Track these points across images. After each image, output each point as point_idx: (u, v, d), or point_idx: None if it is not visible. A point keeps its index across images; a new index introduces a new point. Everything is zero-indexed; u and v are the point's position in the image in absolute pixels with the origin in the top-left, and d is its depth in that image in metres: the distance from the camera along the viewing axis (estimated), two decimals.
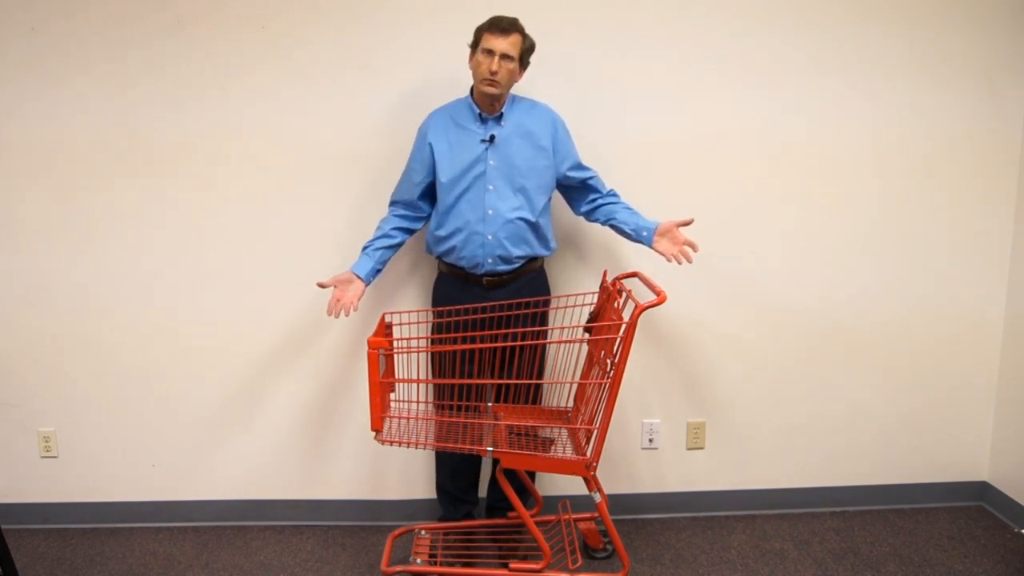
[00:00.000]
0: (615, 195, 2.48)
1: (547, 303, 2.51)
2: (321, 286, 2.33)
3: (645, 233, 2.38)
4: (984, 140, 2.70)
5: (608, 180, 2.52)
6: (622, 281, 2.37)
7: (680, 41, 2.58)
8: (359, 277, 2.35)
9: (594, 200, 2.47)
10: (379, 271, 2.42)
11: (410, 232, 2.46)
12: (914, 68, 2.64)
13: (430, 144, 2.35)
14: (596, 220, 2.48)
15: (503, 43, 2.22)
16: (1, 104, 2.55)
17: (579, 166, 2.43)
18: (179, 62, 2.53)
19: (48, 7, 2.49)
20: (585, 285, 2.71)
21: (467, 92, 2.41)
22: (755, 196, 2.69)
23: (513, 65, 2.26)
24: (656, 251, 2.36)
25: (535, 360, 2.48)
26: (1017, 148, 2.72)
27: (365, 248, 2.40)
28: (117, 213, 2.62)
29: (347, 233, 2.63)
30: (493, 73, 2.23)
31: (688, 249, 2.33)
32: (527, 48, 2.30)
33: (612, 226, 2.45)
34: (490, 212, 2.33)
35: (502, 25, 2.23)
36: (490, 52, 2.23)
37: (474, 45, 2.29)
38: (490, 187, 2.33)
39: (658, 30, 2.57)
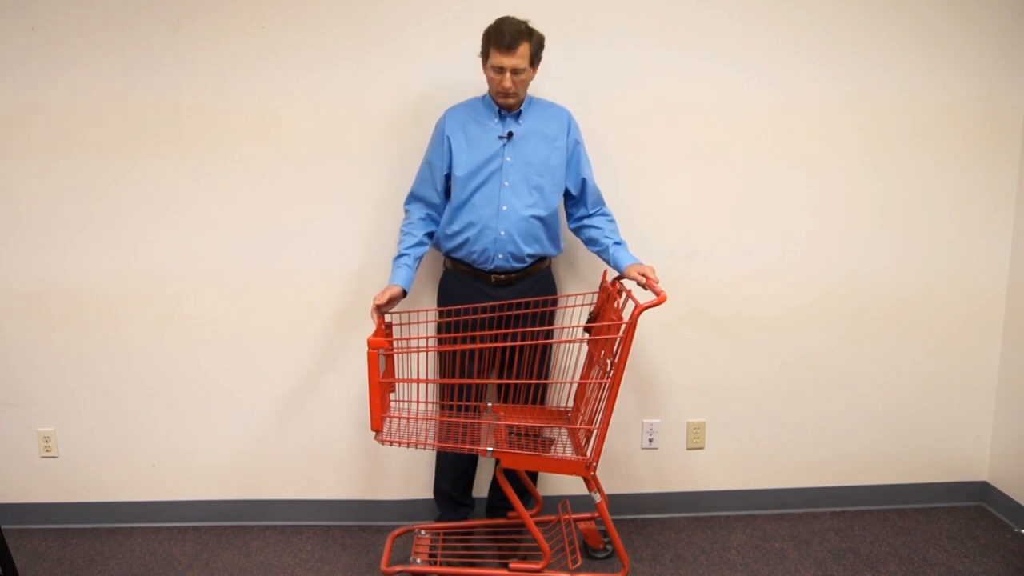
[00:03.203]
0: (609, 220, 2.47)
1: (551, 303, 2.51)
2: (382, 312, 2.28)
3: (617, 262, 2.37)
4: (984, 135, 2.70)
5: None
6: (622, 281, 2.37)
7: (682, 37, 2.59)
8: (404, 290, 2.33)
9: (589, 219, 2.46)
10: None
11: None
12: (910, 46, 2.64)
13: (448, 138, 2.35)
14: (580, 237, 2.50)
15: (511, 59, 2.21)
16: None
17: (587, 182, 2.43)
18: (178, 61, 2.53)
19: (48, 6, 2.49)
20: (591, 285, 2.71)
21: (469, 88, 2.42)
22: (754, 198, 2.68)
23: (526, 74, 2.26)
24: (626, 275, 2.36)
25: (539, 360, 2.48)
26: (1018, 146, 2.72)
27: (402, 256, 2.36)
28: (116, 212, 2.62)
29: (347, 232, 2.64)
30: (507, 89, 2.25)
31: (650, 276, 2.28)
32: (536, 50, 2.28)
33: (589, 238, 2.46)
34: (504, 208, 2.33)
35: (505, 42, 2.20)
36: (500, 69, 2.23)
37: (484, 55, 2.28)
38: (506, 183, 2.33)
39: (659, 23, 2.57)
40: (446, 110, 2.42)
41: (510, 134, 2.34)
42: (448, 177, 2.39)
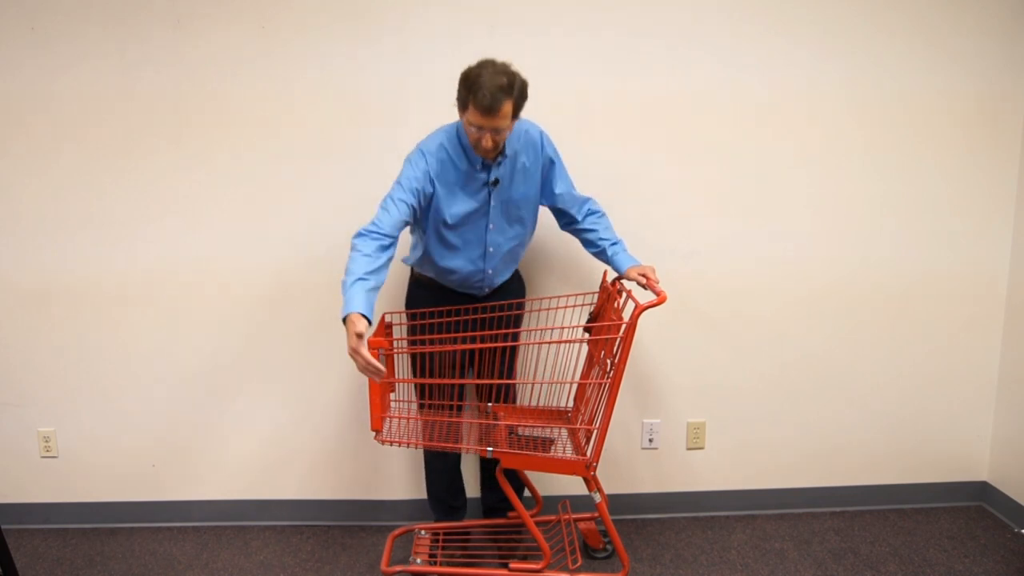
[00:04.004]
0: (599, 217, 2.43)
1: (521, 306, 2.51)
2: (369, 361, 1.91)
3: (617, 264, 2.35)
4: (984, 133, 2.70)
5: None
6: (622, 281, 2.37)
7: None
8: (368, 320, 1.94)
9: (580, 224, 2.43)
10: None
11: None
12: (911, 43, 2.64)
13: (434, 184, 2.18)
14: (576, 236, 2.48)
15: (492, 121, 2.04)
16: None
17: (561, 197, 2.36)
18: (178, 60, 2.53)
19: (48, 6, 2.49)
20: (589, 285, 2.71)
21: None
22: (754, 199, 2.68)
23: (508, 130, 2.11)
24: (625, 276, 2.35)
25: (506, 361, 2.48)
26: (1018, 145, 2.72)
27: (361, 281, 1.97)
28: (116, 212, 2.62)
29: (349, 232, 2.64)
30: (487, 149, 2.13)
31: (650, 277, 2.27)
32: (519, 101, 2.08)
33: (585, 240, 2.44)
34: (491, 250, 2.31)
35: (486, 103, 2.00)
36: (480, 128, 2.07)
37: (460, 103, 2.09)
38: (491, 226, 2.28)
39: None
40: (422, 147, 2.20)
41: (496, 181, 2.23)
42: (425, 220, 2.25)
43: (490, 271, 2.33)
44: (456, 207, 2.22)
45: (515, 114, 2.10)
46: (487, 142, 2.09)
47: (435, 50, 2.53)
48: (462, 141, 2.20)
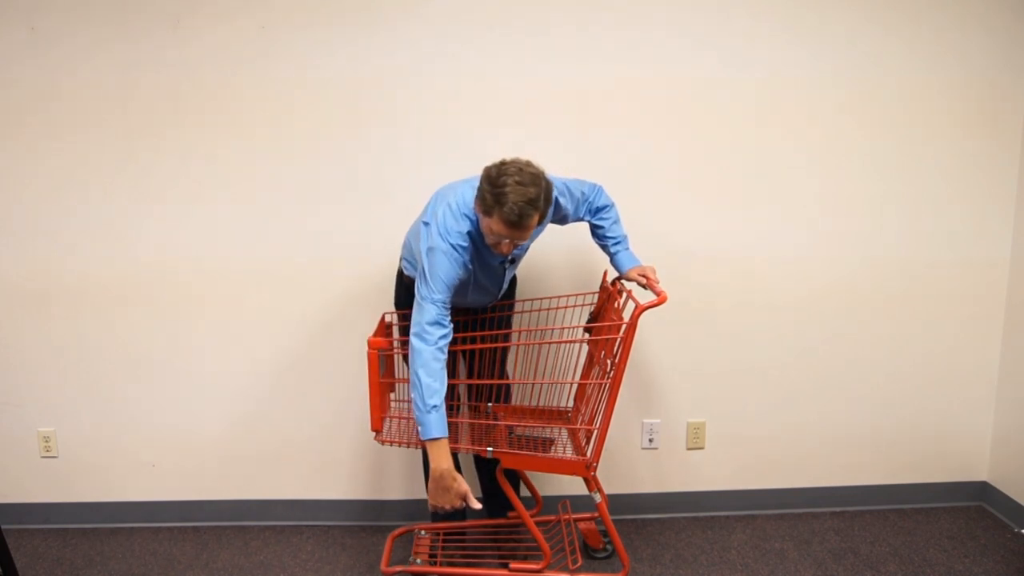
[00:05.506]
0: (606, 212, 2.39)
1: (512, 306, 2.52)
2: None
3: (619, 264, 2.36)
4: (983, 132, 2.70)
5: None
6: (622, 281, 2.37)
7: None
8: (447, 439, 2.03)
9: (587, 220, 2.41)
10: None
11: None
12: (911, 39, 2.64)
13: (466, 268, 2.13)
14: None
15: (517, 233, 1.97)
16: None
17: (580, 214, 2.37)
18: (178, 58, 2.53)
19: (49, 5, 2.49)
20: (590, 285, 2.70)
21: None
22: (754, 201, 2.68)
23: (528, 238, 2.06)
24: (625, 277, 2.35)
25: (497, 360, 2.48)
26: (1018, 143, 2.72)
27: (438, 407, 1.99)
28: (116, 211, 2.62)
29: (349, 230, 2.64)
30: (505, 255, 2.11)
31: (650, 277, 2.27)
32: (545, 210, 2.00)
33: (592, 233, 2.43)
34: (498, 294, 2.36)
35: (511, 219, 1.92)
36: (502, 236, 1.99)
37: (484, 210, 1.97)
38: (504, 286, 2.33)
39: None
40: (450, 239, 2.04)
41: (513, 259, 2.27)
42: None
43: (489, 304, 2.39)
44: (474, 281, 2.23)
45: (540, 223, 2.04)
46: (505, 249, 2.05)
47: (436, 50, 2.53)
48: (477, 228, 2.10)
